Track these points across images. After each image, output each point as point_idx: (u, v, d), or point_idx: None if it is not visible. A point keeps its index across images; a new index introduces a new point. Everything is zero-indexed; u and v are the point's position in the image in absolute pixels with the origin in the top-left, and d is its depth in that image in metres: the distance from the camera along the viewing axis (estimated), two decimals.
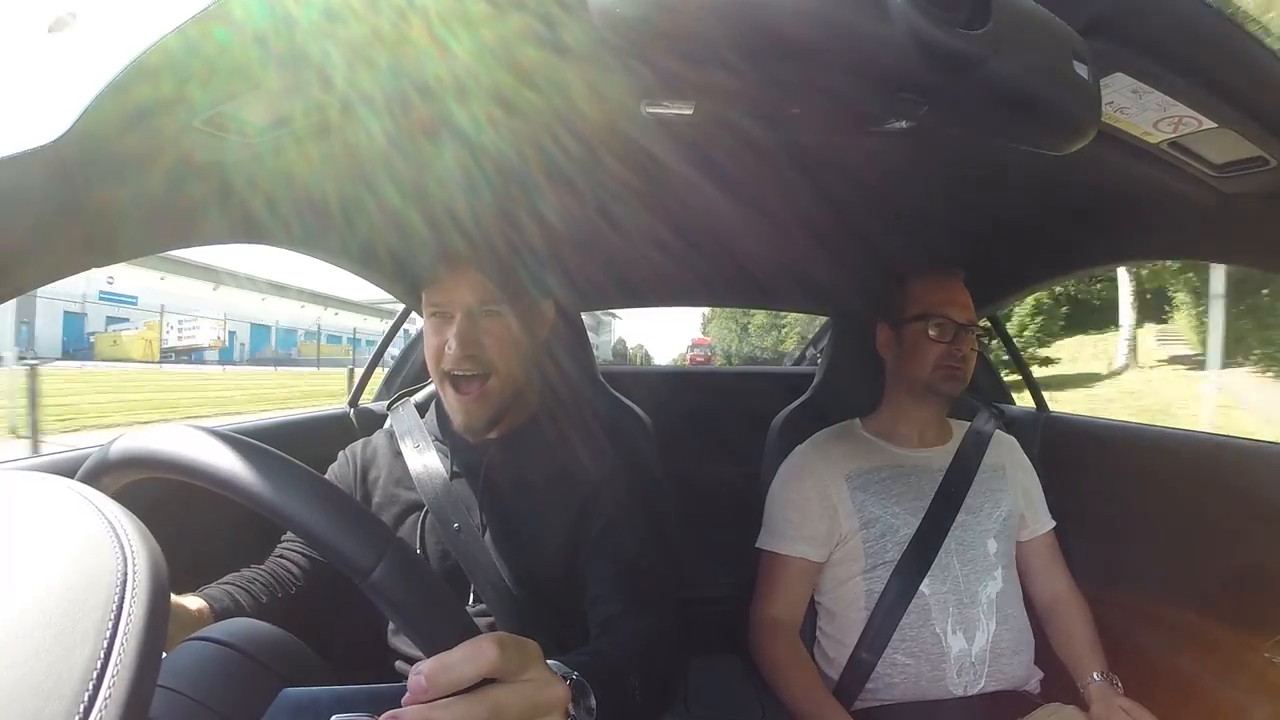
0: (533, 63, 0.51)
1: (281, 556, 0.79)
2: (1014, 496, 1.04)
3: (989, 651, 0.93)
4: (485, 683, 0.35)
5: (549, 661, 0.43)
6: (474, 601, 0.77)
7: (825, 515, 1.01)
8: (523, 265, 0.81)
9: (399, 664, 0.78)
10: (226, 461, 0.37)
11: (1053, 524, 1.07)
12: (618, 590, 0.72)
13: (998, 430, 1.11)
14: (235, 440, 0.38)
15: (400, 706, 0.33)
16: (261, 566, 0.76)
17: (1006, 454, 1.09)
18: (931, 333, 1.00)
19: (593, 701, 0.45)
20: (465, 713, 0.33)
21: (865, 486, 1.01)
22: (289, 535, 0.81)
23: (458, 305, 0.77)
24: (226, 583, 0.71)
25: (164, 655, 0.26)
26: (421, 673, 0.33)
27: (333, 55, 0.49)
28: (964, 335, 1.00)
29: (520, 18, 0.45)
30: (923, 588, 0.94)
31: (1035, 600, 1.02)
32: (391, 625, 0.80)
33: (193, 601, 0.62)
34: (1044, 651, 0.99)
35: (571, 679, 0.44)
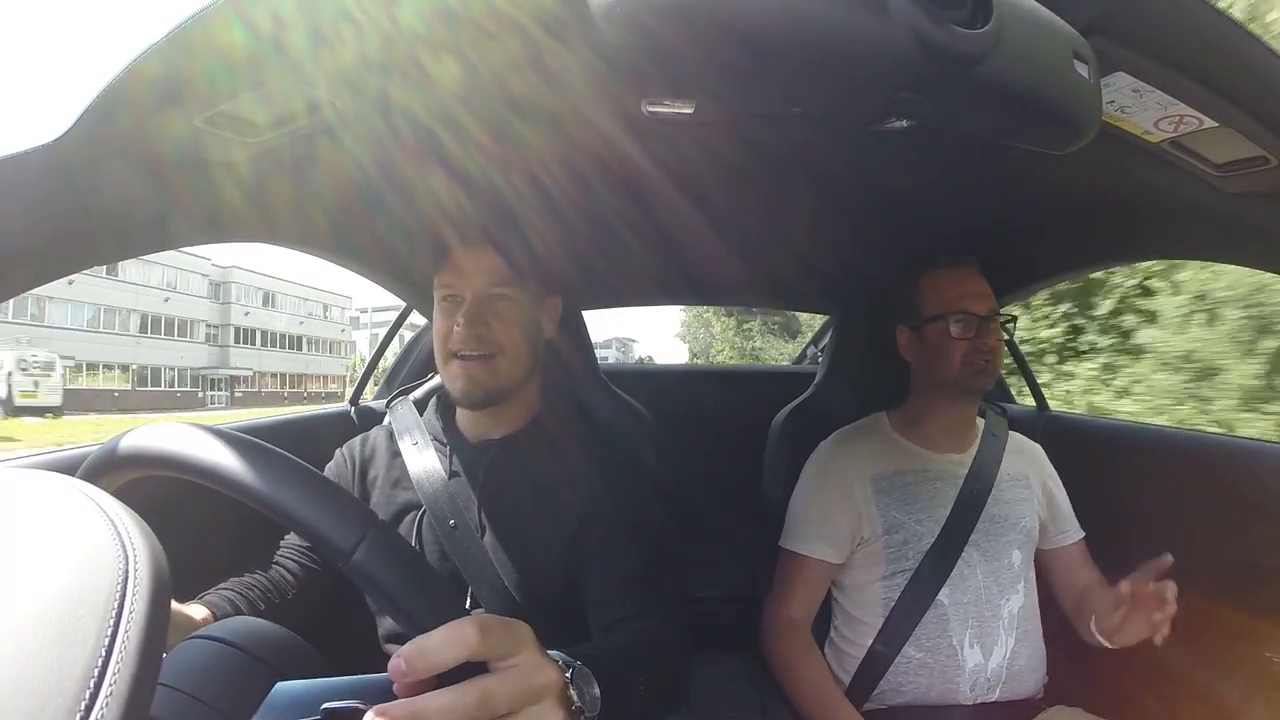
0: (534, 62, 0.51)
1: (279, 563, 0.79)
2: (1037, 506, 1.02)
3: (1005, 668, 0.92)
4: (477, 668, 0.34)
5: (552, 652, 0.43)
6: (472, 605, 0.76)
7: (848, 517, 0.99)
8: (531, 251, 0.82)
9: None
10: (208, 454, 0.37)
11: (1082, 535, 1.03)
12: (621, 595, 0.72)
13: (1024, 439, 1.09)
14: (220, 434, 0.38)
15: (390, 695, 0.33)
16: (259, 573, 0.76)
17: (1030, 462, 1.06)
18: (954, 330, 0.96)
19: (596, 690, 0.44)
20: (452, 702, 0.32)
21: (890, 490, 0.99)
22: (287, 541, 0.81)
23: (468, 287, 0.78)
24: (225, 588, 0.71)
25: (164, 654, 0.26)
26: (400, 655, 0.33)
27: (330, 61, 0.49)
28: (987, 327, 0.97)
29: (524, 18, 0.45)
30: (943, 597, 0.93)
31: (1063, 602, 1.00)
32: (384, 630, 0.79)
33: (196, 610, 0.63)
34: (1048, 655, 0.99)
35: (574, 667, 0.44)
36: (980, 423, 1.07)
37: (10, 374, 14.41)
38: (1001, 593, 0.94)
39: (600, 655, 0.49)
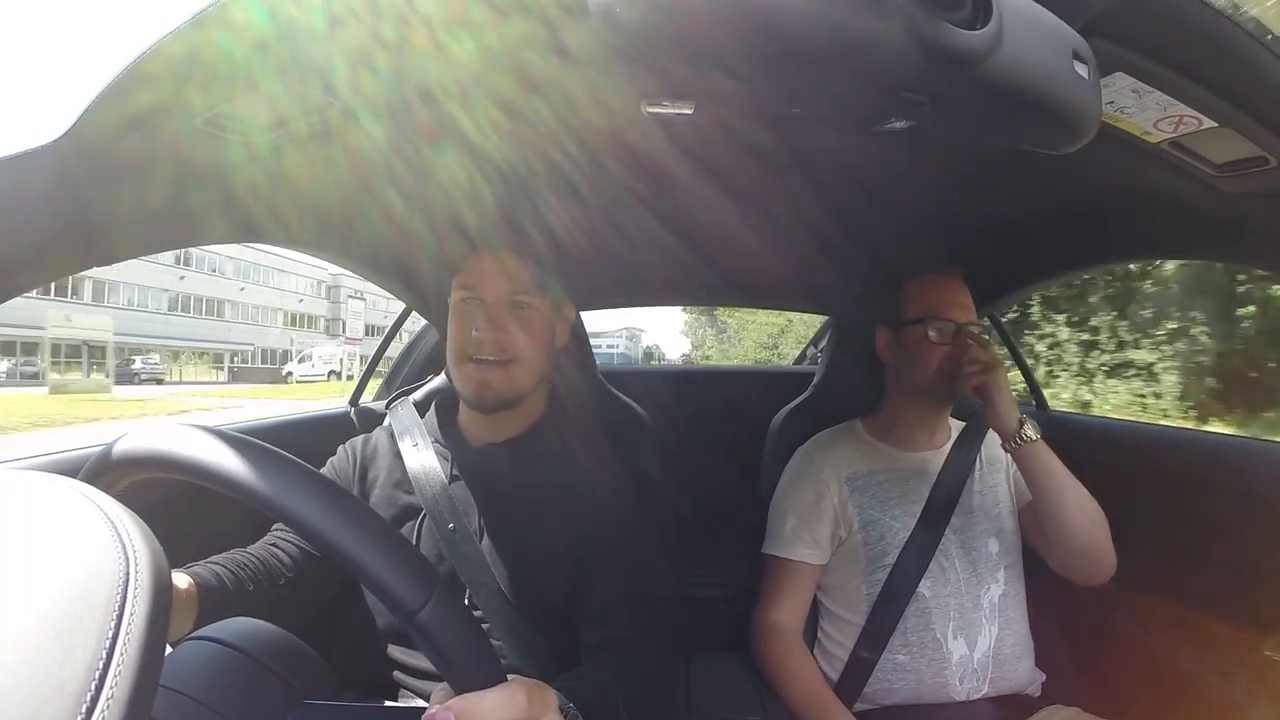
0: (533, 65, 0.51)
1: (274, 545, 0.77)
2: (1014, 478, 1.02)
3: (991, 657, 0.92)
4: None
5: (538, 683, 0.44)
6: (469, 607, 0.76)
7: (826, 518, 1.01)
8: (553, 260, 0.83)
9: (397, 674, 0.77)
10: (254, 473, 0.36)
11: None
12: (618, 613, 0.71)
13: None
14: (264, 450, 0.37)
15: None
16: (252, 552, 0.74)
17: None
18: (932, 335, 0.98)
19: None
20: None
21: (864, 489, 1.01)
22: (281, 525, 0.79)
23: (490, 291, 0.78)
24: (215, 562, 0.68)
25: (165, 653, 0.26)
26: (451, 710, 0.35)
27: (334, 60, 0.49)
28: (964, 336, 0.99)
29: (522, 21, 0.45)
30: (924, 590, 0.94)
31: (1035, 540, 0.99)
32: (384, 624, 0.79)
33: (180, 579, 0.60)
34: (1045, 653, 0.99)
35: (568, 711, 0.45)
36: (955, 424, 1.08)
37: (342, 359, 25.52)
38: (980, 582, 0.95)
39: (590, 693, 0.51)
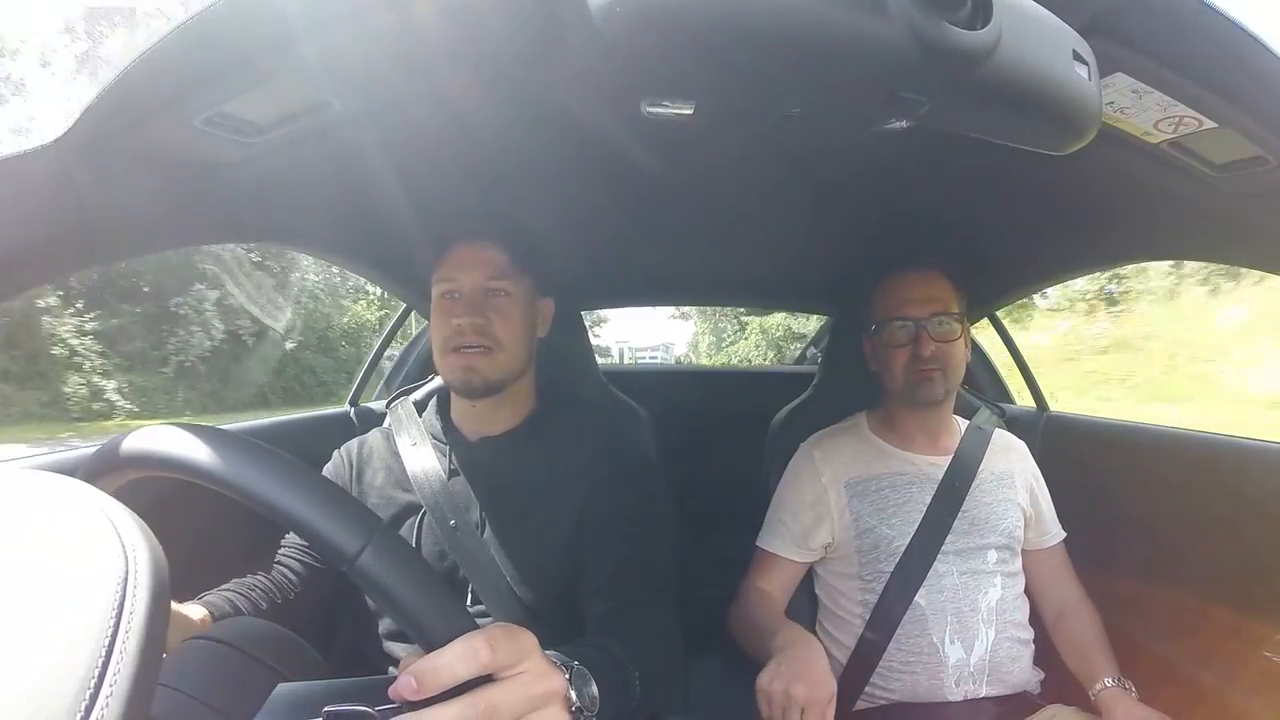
0: (533, 65, 0.51)
1: (280, 563, 0.79)
2: (1021, 504, 1.01)
3: (988, 660, 0.92)
4: (481, 677, 0.34)
5: (549, 652, 0.43)
6: (472, 602, 0.77)
7: (821, 523, 1.00)
8: (527, 244, 0.83)
9: (394, 670, 0.78)
10: (209, 456, 0.37)
11: (1062, 535, 1.03)
12: (617, 587, 0.72)
13: (1010, 435, 1.08)
14: (220, 435, 0.38)
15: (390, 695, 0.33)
16: (261, 574, 0.76)
17: (1016, 460, 1.05)
18: (893, 338, 0.97)
19: (594, 689, 0.45)
20: (460, 713, 0.33)
21: (864, 495, 0.99)
22: (288, 540, 0.81)
23: (466, 280, 0.79)
24: (227, 589, 0.71)
25: (164, 655, 0.26)
26: (411, 673, 0.33)
27: (334, 60, 0.49)
28: (925, 332, 0.95)
29: (521, 22, 0.45)
30: (919, 599, 0.93)
31: (1043, 611, 1.01)
32: (384, 628, 0.79)
33: (195, 610, 0.62)
34: (1045, 653, 0.99)
35: (572, 668, 0.44)
36: (963, 423, 1.06)
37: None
38: (979, 588, 0.95)
39: (596, 653, 0.49)
